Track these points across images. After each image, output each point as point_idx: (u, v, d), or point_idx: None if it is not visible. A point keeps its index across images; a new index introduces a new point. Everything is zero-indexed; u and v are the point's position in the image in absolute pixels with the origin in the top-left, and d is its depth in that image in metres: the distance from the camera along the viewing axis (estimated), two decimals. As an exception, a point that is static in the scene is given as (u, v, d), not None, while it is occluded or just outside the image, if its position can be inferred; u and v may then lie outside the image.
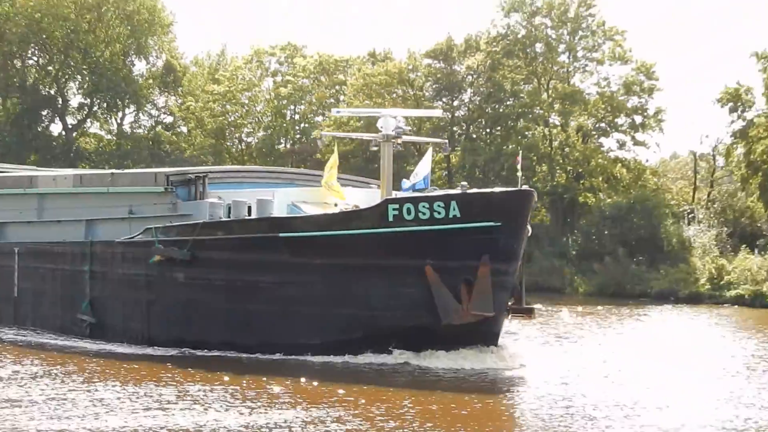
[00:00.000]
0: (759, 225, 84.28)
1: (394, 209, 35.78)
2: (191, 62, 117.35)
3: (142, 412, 28.34)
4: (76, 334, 43.17)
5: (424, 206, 35.53)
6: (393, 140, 40.00)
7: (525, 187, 37.23)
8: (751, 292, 71.87)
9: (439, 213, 35.36)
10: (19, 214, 48.24)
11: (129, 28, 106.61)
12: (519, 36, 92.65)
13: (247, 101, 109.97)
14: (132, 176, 46.28)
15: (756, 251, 78.57)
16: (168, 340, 39.85)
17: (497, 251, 35.19)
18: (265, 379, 33.40)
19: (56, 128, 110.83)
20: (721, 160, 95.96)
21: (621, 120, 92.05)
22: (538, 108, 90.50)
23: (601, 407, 29.55)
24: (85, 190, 45.85)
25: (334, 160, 39.86)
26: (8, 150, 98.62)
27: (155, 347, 39.86)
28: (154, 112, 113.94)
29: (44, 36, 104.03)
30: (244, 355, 37.48)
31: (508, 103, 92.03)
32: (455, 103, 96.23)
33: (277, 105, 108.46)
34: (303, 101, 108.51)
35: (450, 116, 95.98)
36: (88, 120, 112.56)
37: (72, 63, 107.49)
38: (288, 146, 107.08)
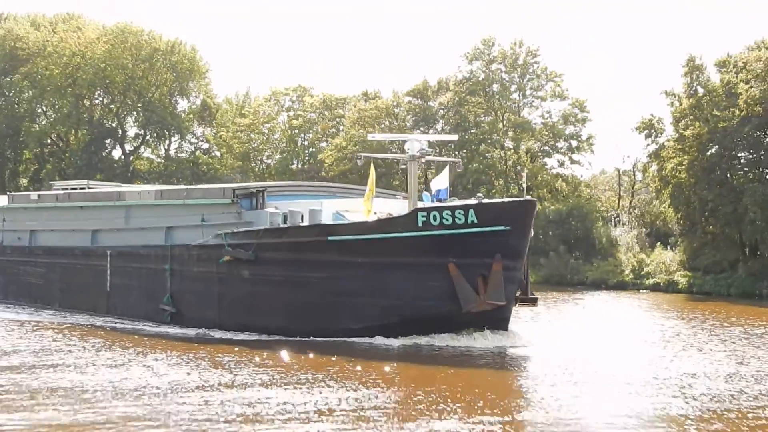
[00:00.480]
0: (670, 226, 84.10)
1: (422, 216, 35.17)
2: (223, 101, 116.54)
3: (182, 374, 28.73)
4: (158, 321, 42.32)
5: (447, 214, 34.91)
6: (418, 160, 38.81)
7: (528, 197, 36.65)
8: (665, 280, 71.84)
9: (459, 219, 34.76)
10: (109, 222, 47.20)
11: (174, 74, 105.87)
12: (480, 79, 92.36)
13: (266, 131, 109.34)
14: (203, 191, 45.06)
15: (668, 247, 78.48)
16: (235, 326, 39.00)
17: (507, 250, 34.67)
18: (282, 352, 33.32)
19: (117, 153, 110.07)
20: (639, 175, 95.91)
21: (560, 144, 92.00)
22: (496, 135, 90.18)
23: (546, 368, 30.84)
24: (164, 203, 44.89)
25: (372, 180, 38.15)
26: (80, 171, 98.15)
27: (224, 331, 39.06)
28: (193, 140, 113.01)
29: (108, 81, 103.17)
30: (296, 339, 36.66)
31: (471, 131, 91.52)
32: (430, 131, 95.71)
33: (291, 134, 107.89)
34: (311, 131, 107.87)
35: (427, 142, 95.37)
36: (142, 147, 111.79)
37: (129, 102, 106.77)
38: (299, 166, 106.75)
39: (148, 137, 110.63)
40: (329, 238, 36.61)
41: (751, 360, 33.13)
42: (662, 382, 28.15)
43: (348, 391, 26.11)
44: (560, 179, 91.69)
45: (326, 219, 38.32)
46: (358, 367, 30.28)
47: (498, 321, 36.08)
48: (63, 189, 55.25)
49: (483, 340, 35.41)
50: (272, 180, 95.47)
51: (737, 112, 69.76)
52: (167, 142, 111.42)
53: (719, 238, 73.09)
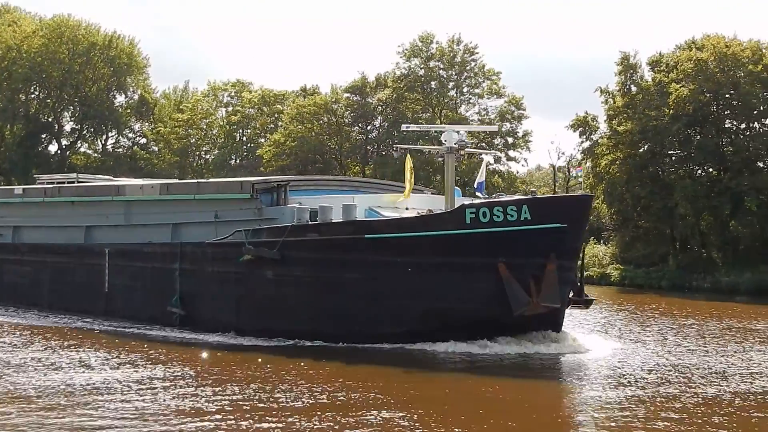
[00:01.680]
0: (603, 221, 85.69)
1: (471, 213, 32.22)
2: (161, 96, 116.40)
3: (108, 370, 28.29)
4: (165, 324, 38.42)
5: (498, 210, 32.01)
6: (456, 152, 35.91)
7: (581, 192, 33.77)
8: (598, 273, 73.35)
9: (511, 216, 31.87)
10: (107, 218, 43.64)
11: (112, 69, 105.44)
12: (418, 75, 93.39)
13: (205, 126, 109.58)
14: (217, 185, 41.42)
15: (601, 241, 79.94)
16: (256, 330, 35.60)
17: (563, 249, 31.94)
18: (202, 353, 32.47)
19: (53, 148, 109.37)
20: (574, 172, 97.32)
21: (497, 141, 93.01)
22: (434, 131, 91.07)
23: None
24: (171, 197, 41.28)
25: (410, 168, 36.18)
26: (15, 165, 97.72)
27: (244, 336, 35.48)
28: (131, 135, 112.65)
29: (44, 75, 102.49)
30: (326, 344, 33.63)
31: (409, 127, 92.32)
32: (368, 127, 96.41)
33: (229, 129, 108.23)
34: (249, 126, 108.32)
35: (364, 138, 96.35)
36: (79, 142, 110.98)
37: (66, 97, 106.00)
38: (238, 162, 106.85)
39: (85, 132, 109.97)
40: (366, 235, 33.56)
41: (680, 350, 34.31)
42: (593, 372, 29.17)
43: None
44: (497, 175, 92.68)
45: (359, 215, 35.20)
46: (394, 384, 27.37)
47: (551, 325, 33.51)
48: (49, 183, 50.88)
49: (537, 346, 32.73)
50: (210, 176, 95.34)
51: (668, 110, 71.35)
52: (104, 137, 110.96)
53: (651, 232, 74.87)
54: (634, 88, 77.38)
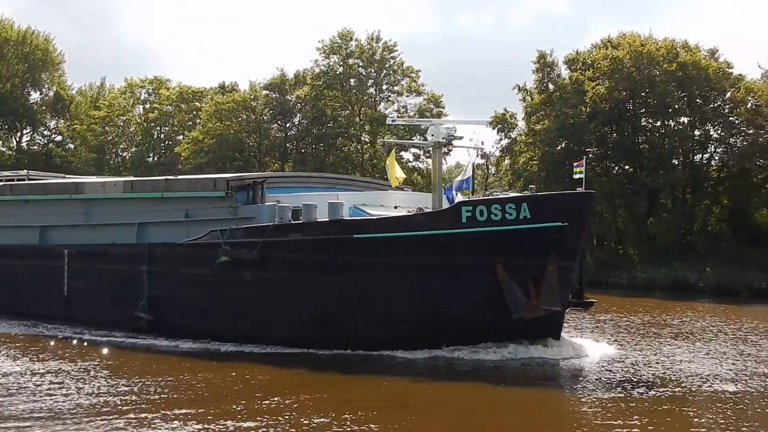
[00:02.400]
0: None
1: (467, 211, 30.34)
2: (77, 92, 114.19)
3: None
4: (131, 330, 35.72)
5: (496, 208, 30.18)
6: (444, 147, 34.55)
7: (579, 189, 31.63)
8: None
9: (510, 214, 30.03)
10: (64, 217, 40.76)
11: (26, 65, 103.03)
12: (337, 73, 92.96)
13: (122, 124, 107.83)
14: (188, 182, 38.34)
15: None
16: (233, 335, 33.19)
17: (563, 250, 30.09)
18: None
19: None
20: (493, 169, 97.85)
21: (416, 138, 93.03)
22: (353, 129, 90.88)
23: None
24: (136, 195, 38.65)
25: (392, 161, 35.01)
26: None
27: (218, 342, 33.08)
28: (46, 132, 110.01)
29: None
30: (309, 351, 31.61)
31: (329, 125, 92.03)
32: (288, 125, 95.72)
33: (147, 127, 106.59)
34: (167, 124, 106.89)
35: (284, 135, 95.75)
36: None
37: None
38: (155, 159, 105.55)
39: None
40: (355, 235, 31.51)
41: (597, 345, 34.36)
42: (510, 369, 28.93)
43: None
44: (416, 173, 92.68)
45: (344, 214, 33.09)
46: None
47: (550, 329, 31.66)
48: None
49: (533, 352, 31.05)
50: (128, 174, 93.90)
51: (584, 108, 71.94)
52: (19, 134, 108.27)
53: (568, 229, 75.20)
54: (551, 86, 77.83)
